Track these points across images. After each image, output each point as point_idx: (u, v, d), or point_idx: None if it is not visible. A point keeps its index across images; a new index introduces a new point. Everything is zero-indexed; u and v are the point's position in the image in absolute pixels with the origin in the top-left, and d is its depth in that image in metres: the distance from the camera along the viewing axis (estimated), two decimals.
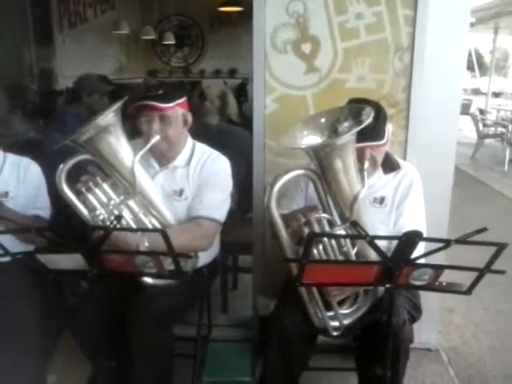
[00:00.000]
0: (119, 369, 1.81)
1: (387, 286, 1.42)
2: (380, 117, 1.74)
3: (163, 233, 1.38)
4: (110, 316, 1.84)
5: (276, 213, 1.64)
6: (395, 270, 1.39)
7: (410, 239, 1.31)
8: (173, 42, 7.84)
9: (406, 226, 1.79)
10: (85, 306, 1.84)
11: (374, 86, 2.27)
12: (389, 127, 1.80)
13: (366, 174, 1.68)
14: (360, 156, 1.72)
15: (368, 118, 1.55)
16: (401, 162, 1.95)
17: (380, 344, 1.60)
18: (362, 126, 1.53)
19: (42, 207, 2.16)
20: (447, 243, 1.29)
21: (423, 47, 2.17)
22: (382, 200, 1.87)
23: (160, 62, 8.06)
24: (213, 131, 3.08)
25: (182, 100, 1.98)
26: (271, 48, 2.25)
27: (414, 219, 1.82)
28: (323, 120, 1.66)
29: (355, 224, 1.36)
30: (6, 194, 2.08)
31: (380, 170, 1.88)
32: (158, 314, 1.81)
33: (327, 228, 1.64)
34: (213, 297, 2.75)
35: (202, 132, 2.99)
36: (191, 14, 7.67)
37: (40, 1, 6.17)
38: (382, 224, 1.84)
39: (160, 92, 1.93)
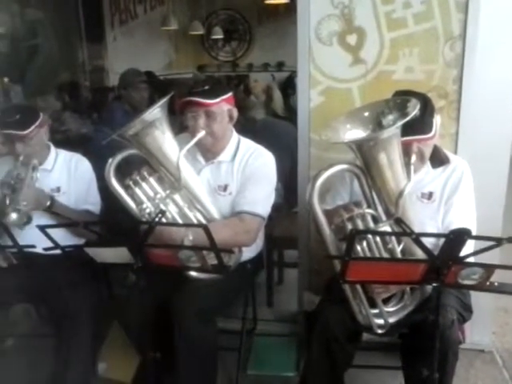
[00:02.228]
0: (164, 360, 1.84)
1: (434, 285, 1.37)
2: (427, 109, 1.68)
3: (205, 228, 1.39)
4: (155, 308, 1.87)
5: (318, 208, 1.61)
6: (443, 268, 1.34)
7: (457, 237, 1.26)
8: (221, 37, 7.88)
9: (455, 222, 1.73)
10: (132, 297, 1.88)
11: (422, 77, 2.19)
12: (437, 120, 1.74)
13: (412, 168, 1.63)
14: (407, 150, 1.67)
15: (414, 110, 1.50)
16: (451, 155, 1.88)
17: (427, 344, 1.55)
18: (407, 118, 1.48)
19: (93, 202, 2.23)
20: (498, 242, 1.23)
21: (476, 35, 2.07)
22: (430, 195, 1.81)
23: (208, 56, 8.13)
24: (258, 126, 3.08)
25: (228, 96, 1.98)
26: (316, 40, 2.21)
27: (462, 216, 1.75)
28: (367, 113, 1.62)
29: (399, 221, 1.32)
30: (58, 189, 2.17)
31: (428, 165, 1.82)
32: (202, 307, 1.83)
33: (371, 224, 1.61)
34: (258, 291, 2.77)
35: (247, 126, 3.01)
36: (238, 8, 7.68)
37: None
38: (430, 220, 1.78)
39: (206, 88, 1.95)
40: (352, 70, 2.22)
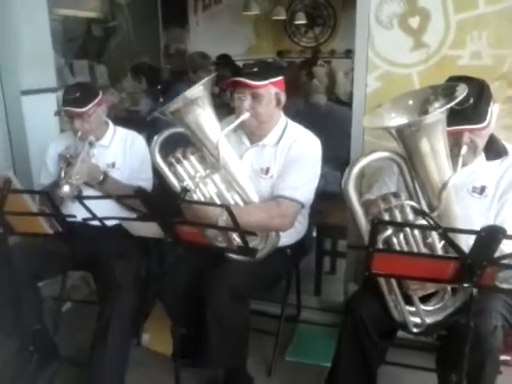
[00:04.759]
0: (192, 338, 1.89)
1: (466, 285, 1.27)
2: (483, 97, 1.55)
3: (227, 209, 1.39)
4: (192, 284, 1.92)
5: (354, 197, 1.55)
6: (476, 268, 1.23)
7: (490, 235, 1.15)
8: (304, 22, 7.79)
9: (507, 221, 1.59)
10: (169, 273, 1.93)
11: (491, 62, 2.02)
12: (493, 109, 1.59)
13: (460, 160, 1.51)
14: (457, 140, 1.56)
15: (461, 95, 1.39)
16: (510, 148, 1.72)
17: (462, 349, 1.45)
18: (453, 103, 1.37)
19: (145, 178, 2.30)
20: None
21: None
22: (482, 189, 1.68)
23: (290, 42, 8.07)
24: (321, 111, 3.01)
25: (277, 79, 1.95)
26: (376, 23, 2.11)
27: None
28: (411, 101, 1.52)
29: (424, 214, 1.23)
30: (113, 165, 2.26)
31: (482, 156, 1.68)
32: (234, 286, 1.83)
33: (410, 216, 1.52)
34: (307, 279, 2.74)
35: (308, 111, 2.96)
36: None
37: None
38: (480, 216, 1.65)
39: (255, 69, 1.93)
40: (413, 54, 2.11)
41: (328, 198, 2.58)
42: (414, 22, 2.07)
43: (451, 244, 1.21)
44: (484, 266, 1.22)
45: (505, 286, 1.27)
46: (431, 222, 1.23)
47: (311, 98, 2.98)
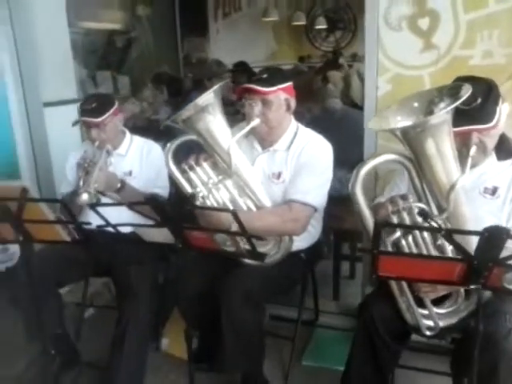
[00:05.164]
0: (208, 342, 1.91)
1: (473, 287, 1.26)
2: (490, 96, 1.53)
3: (234, 213, 1.41)
4: (204, 290, 1.96)
5: (361, 199, 1.55)
6: (482, 270, 1.22)
7: (494, 235, 1.14)
8: (325, 27, 7.79)
9: None
10: (181, 278, 1.96)
11: (503, 61, 2.00)
12: (502, 108, 1.57)
13: (469, 161, 1.50)
14: (466, 141, 1.55)
15: (465, 95, 1.38)
16: None
17: (474, 352, 1.43)
18: (457, 103, 1.37)
19: (162, 186, 2.34)
20: None
21: None
22: (494, 190, 1.65)
23: (311, 47, 8.07)
24: (336, 115, 3.02)
25: (286, 85, 1.97)
26: (384, 26, 2.12)
27: None
28: (416, 104, 1.51)
29: (427, 216, 1.23)
30: (130, 173, 2.31)
31: (493, 157, 1.66)
32: (249, 290, 1.85)
33: (419, 218, 1.51)
34: (326, 284, 2.75)
35: (323, 115, 2.97)
36: None
37: None
38: (492, 217, 1.62)
39: (264, 76, 1.96)
40: (423, 56, 2.10)
41: (344, 202, 2.56)
42: (424, 23, 2.07)
43: (456, 245, 1.20)
44: (490, 267, 1.21)
45: None
46: (434, 225, 1.22)
47: (326, 103, 2.98)
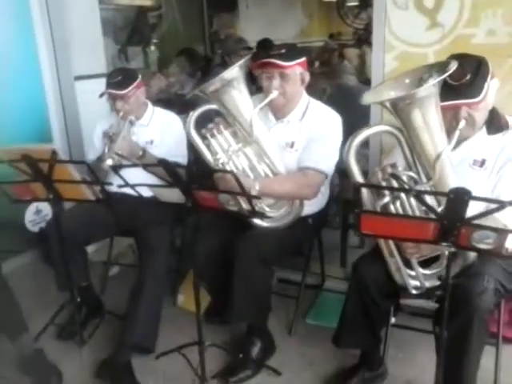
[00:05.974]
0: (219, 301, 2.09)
1: (445, 244, 1.39)
2: (479, 72, 1.63)
3: (233, 174, 1.58)
4: (220, 250, 2.14)
5: (355, 167, 1.67)
6: (452, 229, 1.35)
7: (457, 196, 1.27)
8: (356, 3, 7.72)
9: (503, 193, 1.67)
10: (197, 238, 2.13)
11: (506, 40, 2.08)
12: (491, 84, 1.67)
13: (457, 133, 1.62)
14: (455, 114, 1.66)
15: (451, 70, 1.49)
16: None
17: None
18: (443, 76, 1.48)
19: (181, 155, 2.52)
20: (501, 205, 1.23)
21: None
22: (482, 162, 1.76)
23: (343, 24, 8.00)
24: (351, 91, 3.11)
25: (302, 60, 2.12)
26: (392, 4, 2.21)
27: None
28: (408, 80, 1.63)
29: (396, 177, 1.36)
30: (152, 142, 2.50)
31: (483, 131, 1.76)
32: (262, 251, 2.03)
33: (406, 186, 1.64)
34: (335, 253, 2.90)
35: (337, 92, 3.07)
36: None
37: None
38: (479, 189, 1.73)
39: (282, 51, 2.09)
40: (428, 34, 2.19)
41: None
42: (430, 2, 2.15)
43: (426, 206, 1.34)
44: (458, 227, 1.34)
45: (482, 246, 1.36)
46: (405, 186, 1.35)
47: (340, 79, 3.08)
